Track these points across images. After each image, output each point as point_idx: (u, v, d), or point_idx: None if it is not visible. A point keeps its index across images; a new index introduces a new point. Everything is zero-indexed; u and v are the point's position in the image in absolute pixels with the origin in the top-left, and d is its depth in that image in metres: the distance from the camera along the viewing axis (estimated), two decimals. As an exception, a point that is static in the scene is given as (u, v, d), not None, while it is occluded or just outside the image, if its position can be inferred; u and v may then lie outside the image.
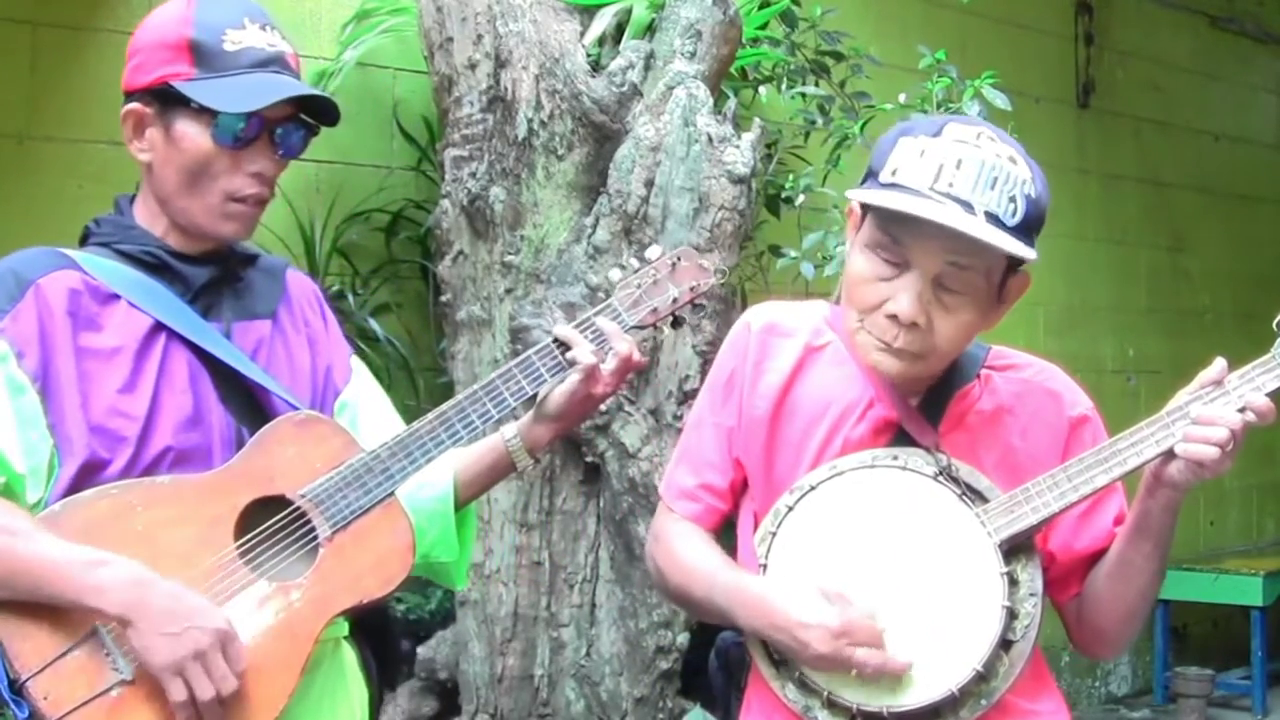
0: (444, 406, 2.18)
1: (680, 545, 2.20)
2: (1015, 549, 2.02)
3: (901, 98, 4.60)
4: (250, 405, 2.12)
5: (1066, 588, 2.15)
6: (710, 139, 4.04)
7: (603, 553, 4.12)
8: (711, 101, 4.14)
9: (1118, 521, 2.11)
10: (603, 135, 4.15)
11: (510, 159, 4.12)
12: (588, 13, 4.38)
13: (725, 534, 2.24)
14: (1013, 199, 1.96)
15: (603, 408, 3.73)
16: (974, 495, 2.03)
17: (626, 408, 3.99)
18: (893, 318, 1.99)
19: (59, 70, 4.15)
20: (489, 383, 2.22)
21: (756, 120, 4.35)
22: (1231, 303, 8.03)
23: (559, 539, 4.11)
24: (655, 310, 2.32)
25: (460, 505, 2.32)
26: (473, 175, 4.09)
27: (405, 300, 4.75)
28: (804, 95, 5.12)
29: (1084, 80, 7.35)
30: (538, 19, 4.17)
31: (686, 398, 3.99)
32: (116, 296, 2.07)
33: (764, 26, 5.01)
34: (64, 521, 1.93)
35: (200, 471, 2.04)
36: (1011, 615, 1.99)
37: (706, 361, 4.00)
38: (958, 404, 2.11)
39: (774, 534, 2.06)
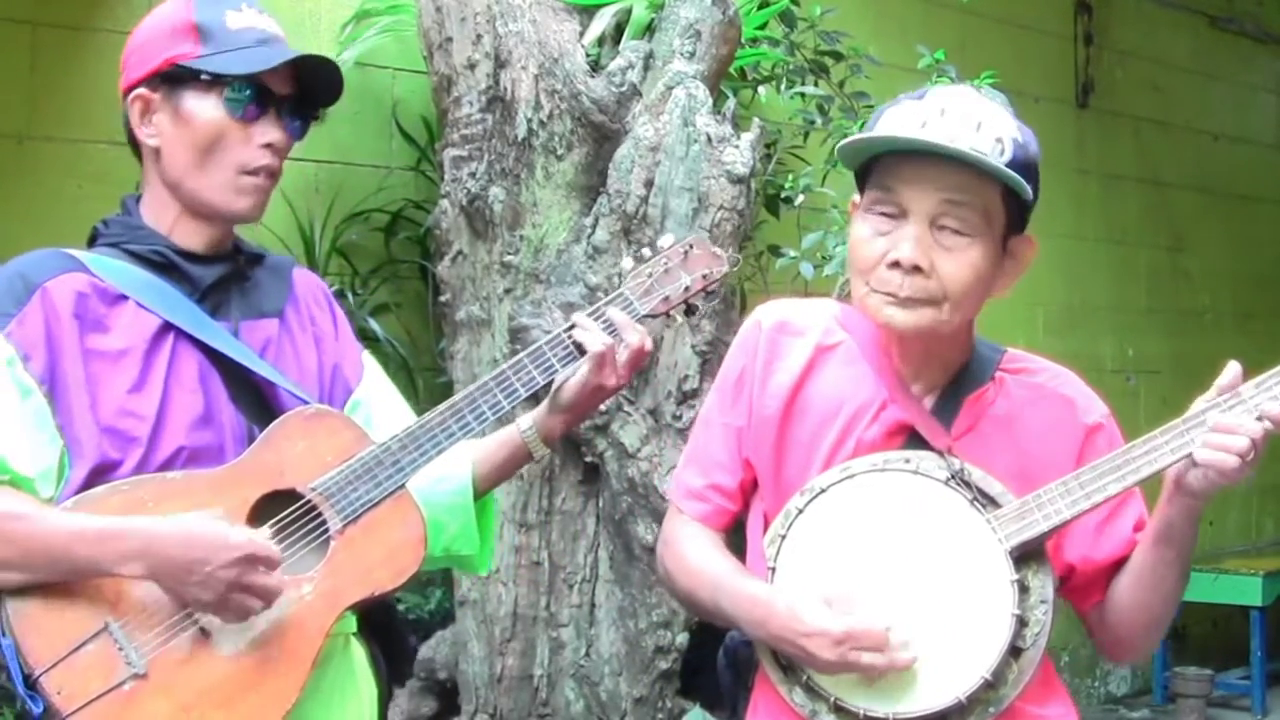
0: (455, 398, 2.19)
1: (688, 549, 2.19)
2: (1026, 555, 2.00)
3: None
4: (260, 403, 2.13)
5: (1088, 596, 2.13)
6: (709, 139, 4.04)
7: (602, 553, 4.12)
8: (711, 101, 4.14)
9: (1138, 528, 2.10)
10: (602, 135, 4.15)
11: (509, 159, 4.12)
12: (587, 13, 4.39)
13: (736, 534, 2.23)
14: (999, 139, 1.97)
15: (602, 407, 3.73)
16: (986, 500, 2.01)
17: (625, 408, 3.99)
18: (895, 265, 1.98)
19: (58, 70, 4.15)
20: (500, 373, 2.22)
21: (756, 120, 4.35)
22: (1231, 303, 8.03)
23: (558, 539, 4.11)
24: (667, 299, 2.31)
25: (479, 496, 2.33)
26: (472, 175, 4.09)
27: (404, 300, 4.75)
28: (803, 95, 5.12)
29: (1083, 80, 7.35)
30: (537, 19, 4.17)
31: (686, 397, 3.99)
32: (124, 297, 2.07)
33: (763, 26, 5.01)
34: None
35: (214, 468, 2.05)
36: (1021, 623, 1.97)
37: (706, 361, 4.01)
38: (972, 406, 2.10)
39: (784, 536, 2.04)
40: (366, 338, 4.41)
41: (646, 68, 4.22)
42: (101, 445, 1.99)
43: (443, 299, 4.26)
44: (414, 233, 4.75)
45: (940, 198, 1.97)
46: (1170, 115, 7.83)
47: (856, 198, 2.10)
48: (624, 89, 4.16)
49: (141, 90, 2.12)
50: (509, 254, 4.12)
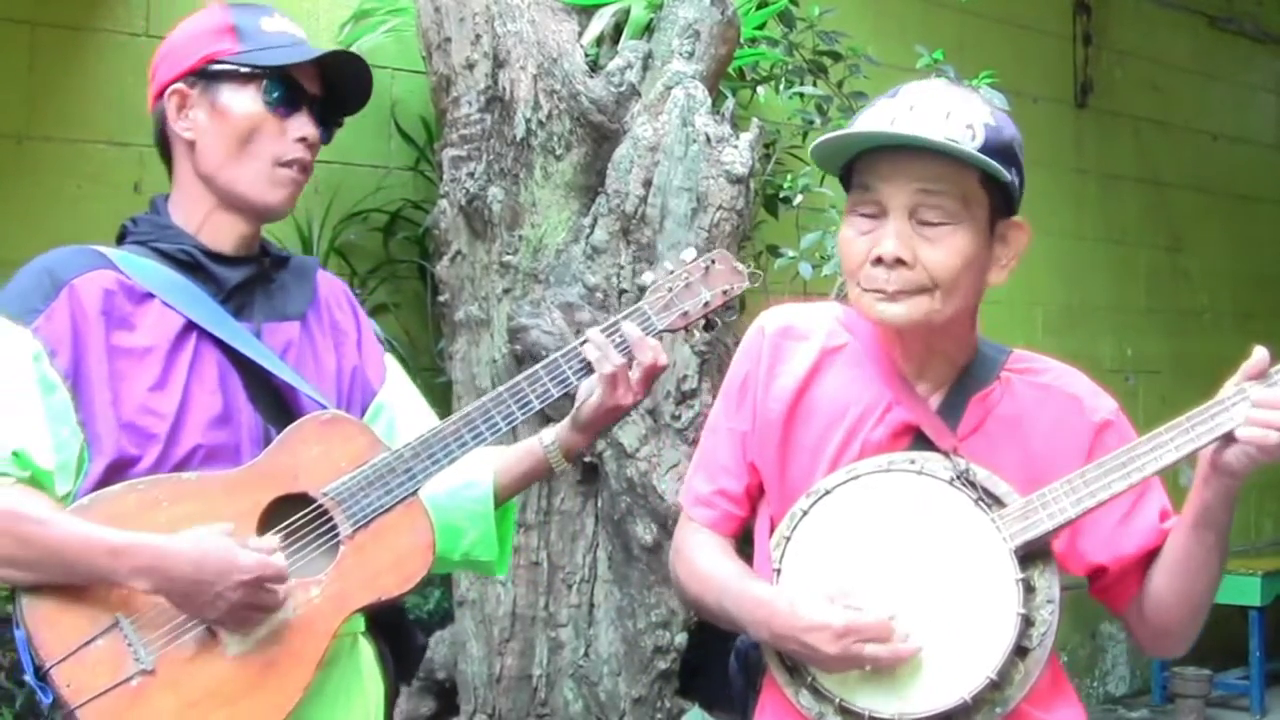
0: (469, 407, 2.21)
1: (697, 555, 2.20)
2: (1032, 555, 2.00)
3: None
4: (279, 405, 2.16)
5: (1124, 593, 2.12)
6: (708, 139, 4.05)
7: (601, 553, 4.12)
8: (710, 101, 4.15)
9: (1163, 518, 2.09)
10: (601, 135, 4.15)
11: (508, 159, 4.12)
12: (586, 13, 4.39)
13: (747, 543, 2.23)
14: (969, 126, 1.98)
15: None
16: (991, 500, 2.01)
17: (625, 408, 3.99)
18: (879, 261, 1.99)
19: (57, 70, 4.15)
20: (515, 384, 2.24)
21: (755, 120, 4.35)
22: (1230, 302, 8.03)
23: (557, 539, 4.11)
24: (686, 314, 2.32)
25: (499, 503, 2.36)
26: (471, 175, 4.09)
27: (403, 300, 4.75)
28: (802, 95, 5.12)
29: (1082, 80, 7.34)
30: (536, 19, 4.17)
31: (685, 398, 3.99)
32: (150, 295, 2.11)
33: (762, 26, 5.01)
34: (92, 514, 1.98)
35: (230, 468, 2.09)
36: (1027, 622, 1.96)
37: (705, 362, 4.01)
38: (977, 406, 2.09)
39: (789, 538, 2.04)
40: (365, 337, 4.41)
41: (645, 68, 4.23)
42: (120, 441, 2.03)
43: (441, 299, 4.27)
44: (413, 233, 4.75)
45: (914, 188, 1.98)
46: (1169, 115, 7.83)
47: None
48: (623, 89, 4.16)
49: (179, 85, 2.18)
50: (508, 254, 4.12)
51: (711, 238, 3.98)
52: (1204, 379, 2.02)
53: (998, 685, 1.95)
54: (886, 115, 2.01)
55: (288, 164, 2.17)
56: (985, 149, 1.97)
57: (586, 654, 4.09)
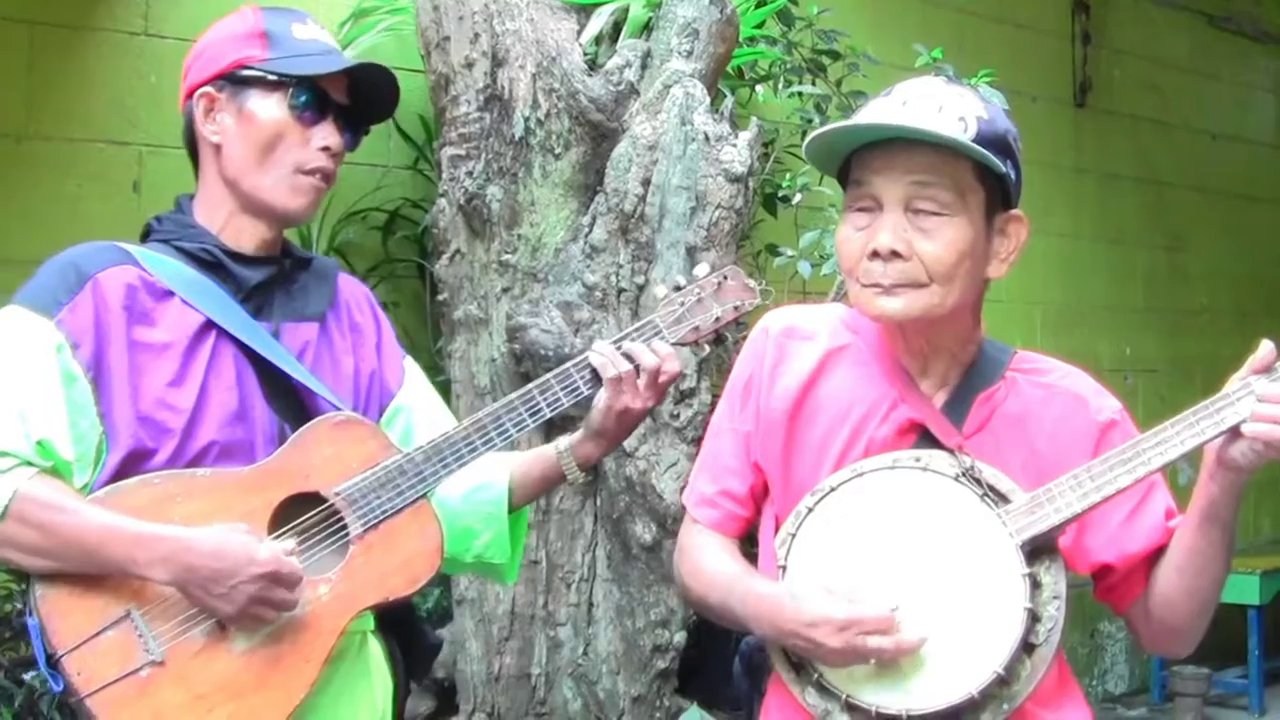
0: (481, 413, 2.24)
1: (700, 556, 2.20)
2: (1038, 551, 1.99)
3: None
4: (294, 404, 2.20)
5: (1129, 592, 2.12)
6: (707, 138, 4.05)
7: (600, 551, 4.12)
8: (708, 100, 4.15)
9: (1168, 517, 2.09)
10: (600, 134, 4.15)
11: (507, 158, 4.12)
12: (585, 11, 4.39)
13: (749, 542, 2.23)
14: (962, 119, 1.99)
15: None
16: (996, 497, 2.00)
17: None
18: (875, 255, 2.00)
19: (57, 69, 4.15)
20: (526, 392, 2.27)
21: (754, 119, 4.35)
22: (1229, 302, 8.03)
23: (556, 538, 4.11)
24: (697, 328, 2.36)
25: (514, 509, 2.39)
26: (469, 174, 4.09)
27: (402, 299, 4.75)
28: (801, 94, 5.13)
29: (1081, 79, 7.35)
30: (534, 18, 4.17)
31: (683, 397, 3.99)
32: (171, 293, 2.15)
33: (761, 25, 5.01)
34: (107, 507, 2.02)
35: (243, 466, 2.12)
36: (1034, 618, 1.96)
37: (703, 362, 4.00)
38: (982, 405, 2.09)
39: (794, 535, 2.04)
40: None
41: (644, 66, 4.23)
42: (138, 434, 2.07)
43: (440, 298, 4.27)
44: (411, 232, 4.75)
45: (908, 180, 1.99)
46: (1168, 114, 7.83)
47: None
48: (621, 87, 4.16)
49: (208, 89, 2.22)
50: (506, 253, 4.12)
51: (710, 237, 3.98)
52: (1202, 378, 2.03)
53: (1005, 681, 1.95)
54: (879, 112, 2.02)
55: (310, 172, 2.22)
56: (978, 141, 1.98)
57: (585, 653, 4.09)
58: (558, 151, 4.16)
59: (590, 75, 4.18)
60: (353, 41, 4.49)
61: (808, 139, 2.07)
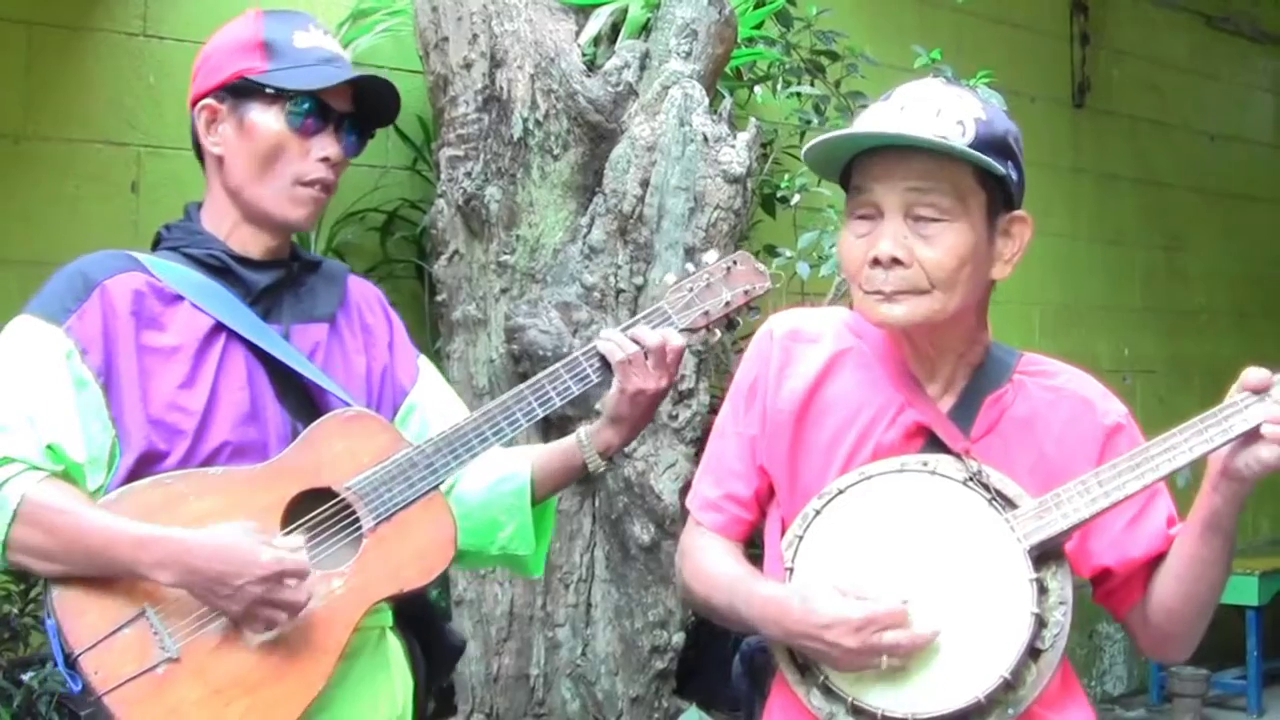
0: (490, 404, 2.27)
1: (704, 558, 2.18)
2: (1045, 556, 1.99)
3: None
4: (307, 403, 2.22)
5: (1128, 597, 2.11)
6: (706, 138, 4.05)
7: (598, 552, 4.12)
8: (707, 101, 4.15)
9: (1169, 524, 2.09)
10: (598, 135, 4.16)
11: (506, 159, 4.12)
12: (583, 12, 4.39)
13: (751, 545, 2.22)
14: (960, 122, 1.98)
15: (596, 407, 3.73)
16: (1004, 501, 2.00)
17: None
18: (876, 262, 2.00)
19: (55, 70, 4.15)
20: (536, 381, 2.29)
21: (752, 120, 4.35)
22: (1227, 302, 8.03)
23: (554, 539, 4.09)
24: (707, 313, 2.36)
25: (537, 500, 2.39)
26: (468, 175, 4.09)
27: (401, 300, 4.72)
28: (799, 95, 5.13)
29: (1079, 80, 7.35)
30: (533, 19, 4.17)
31: (682, 397, 3.99)
32: (180, 297, 2.18)
33: (759, 26, 5.01)
34: (120, 508, 2.04)
35: (254, 465, 2.14)
36: (1041, 623, 1.95)
37: (702, 362, 4.01)
38: (990, 408, 2.09)
39: (801, 538, 2.03)
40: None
41: (643, 67, 4.23)
42: (150, 436, 2.09)
43: (439, 299, 4.27)
44: (410, 232, 4.75)
45: (906, 186, 1.98)
46: (1166, 115, 7.83)
47: None
48: (620, 88, 4.16)
49: (209, 101, 2.24)
50: (505, 254, 4.12)
51: (709, 237, 3.98)
52: (1201, 379, 2.03)
53: (1011, 685, 1.94)
54: (880, 118, 2.02)
55: (310, 183, 2.23)
56: (976, 144, 1.97)
57: (584, 653, 4.09)
58: (556, 152, 4.16)
59: (589, 76, 4.18)
60: (351, 42, 4.48)
61: (806, 148, 2.08)
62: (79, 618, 2.02)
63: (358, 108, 2.28)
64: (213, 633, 2.04)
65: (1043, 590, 1.97)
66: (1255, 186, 8.39)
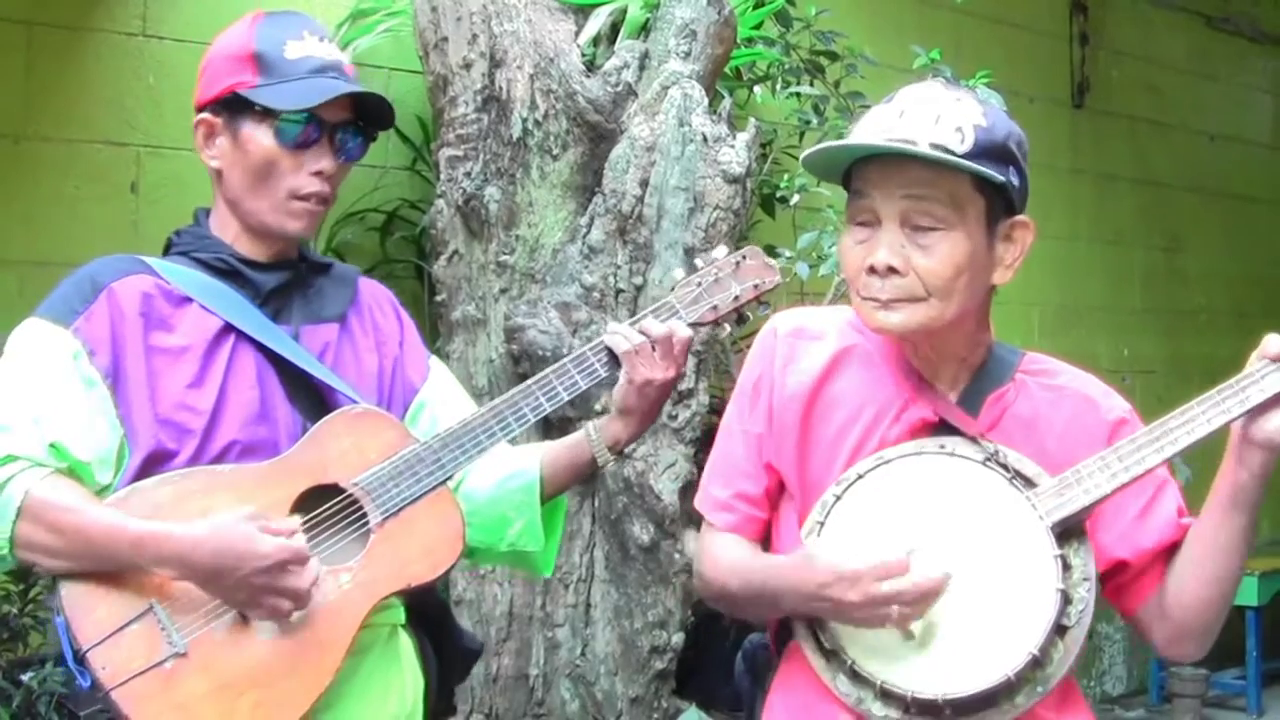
0: (497, 400, 2.28)
1: (722, 553, 2.18)
2: (1067, 533, 1.99)
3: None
4: (316, 402, 2.24)
5: (1143, 590, 2.10)
6: (705, 139, 4.05)
7: (598, 553, 4.12)
8: (706, 101, 4.15)
9: (1180, 514, 2.09)
10: (597, 135, 4.16)
11: (505, 159, 4.12)
12: (583, 12, 4.39)
13: (767, 548, 2.22)
14: (959, 129, 1.98)
15: (596, 408, 3.73)
16: (1023, 480, 2.01)
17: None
18: (872, 270, 2.00)
19: (55, 70, 4.15)
20: (543, 376, 2.30)
21: (751, 120, 4.35)
22: (1227, 302, 8.03)
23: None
24: (715, 308, 2.37)
25: (546, 497, 2.40)
26: (468, 175, 4.09)
27: (400, 300, 4.72)
28: (799, 95, 5.13)
29: (1079, 80, 7.35)
30: (532, 19, 4.17)
31: (681, 398, 3.99)
32: (189, 299, 2.21)
33: (759, 26, 5.02)
34: (128, 506, 2.06)
35: (262, 462, 2.16)
36: (1066, 599, 1.96)
37: (701, 361, 4.01)
38: (993, 406, 2.10)
39: (822, 524, 2.04)
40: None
41: (642, 67, 4.23)
42: (158, 436, 2.12)
43: (438, 299, 4.27)
44: (409, 232, 4.75)
45: (903, 194, 1.98)
46: (1166, 115, 7.83)
47: None
48: (619, 89, 4.16)
49: (205, 115, 2.26)
50: (504, 254, 4.12)
51: (708, 237, 3.98)
52: (1200, 379, 2.02)
53: (1039, 663, 1.95)
54: (881, 123, 2.01)
55: (304, 197, 2.24)
56: (975, 151, 1.97)
57: (583, 654, 4.09)
58: (555, 152, 4.16)
59: (588, 76, 4.18)
60: (351, 43, 4.48)
61: (803, 155, 2.08)
62: (87, 614, 2.03)
63: (357, 112, 2.29)
64: (220, 628, 2.06)
65: (1066, 567, 1.98)
66: (1254, 187, 8.39)
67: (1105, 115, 7.46)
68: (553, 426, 3.67)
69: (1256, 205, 8.39)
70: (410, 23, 4.34)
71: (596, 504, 4.10)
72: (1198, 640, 2.11)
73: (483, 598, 4.11)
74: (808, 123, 5.09)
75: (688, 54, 4.20)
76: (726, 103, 4.31)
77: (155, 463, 2.11)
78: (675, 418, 3.98)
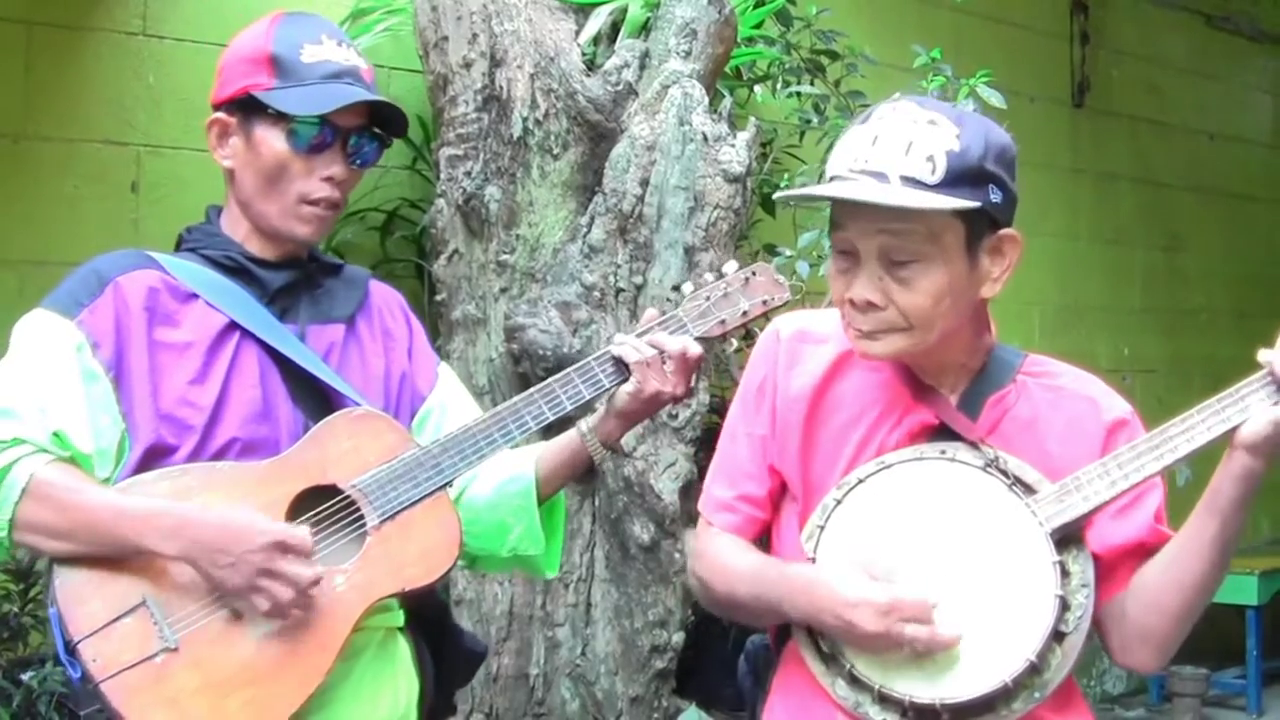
0: (500, 406, 2.29)
1: (722, 554, 2.18)
2: (1065, 539, 2.00)
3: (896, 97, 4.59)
4: (319, 402, 2.24)
5: (1109, 587, 2.07)
6: (705, 138, 4.05)
7: (598, 552, 4.12)
8: (707, 100, 4.15)
9: (1158, 518, 2.08)
10: (598, 134, 4.16)
11: (505, 158, 4.12)
12: (583, 11, 4.39)
13: (765, 548, 2.22)
14: (930, 158, 1.95)
15: (595, 408, 3.73)
16: (1023, 487, 2.01)
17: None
18: (852, 303, 2.01)
19: (55, 70, 4.15)
20: (547, 385, 2.31)
21: (752, 119, 4.35)
22: (1226, 302, 8.03)
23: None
24: (723, 322, 2.38)
25: (543, 498, 2.40)
26: (468, 174, 4.09)
27: (401, 300, 4.75)
28: (799, 94, 5.13)
29: (1079, 79, 7.34)
30: (533, 18, 4.17)
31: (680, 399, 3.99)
32: (195, 295, 2.22)
33: (759, 25, 5.01)
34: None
35: (261, 460, 2.17)
36: (1064, 606, 1.96)
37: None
38: (993, 408, 2.10)
39: (822, 528, 2.04)
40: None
41: (642, 67, 4.23)
42: (159, 430, 2.12)
43: (438, 298, 4.27)
44: (410, 232, 4.75)
45: (877, 229, 1.97)
46: (1166, 115, 7.83)
47: None
48: (620, 88, 4.16)
49: (219, 115, 2.27)
50: (505, 253, 4.12)
51: (709, 237, 3.98)
52: (1201, 378, 2.03)
53: (1037, 669, 1.95)
54: (854, 150, 2.00)
55: (314, 202, 2.24)
56: (946, 180, 1.94)
57: (583, 653, 4.10)
58: (556, 152, 4.16)
59: (588, 75, 4.18)
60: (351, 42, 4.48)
61: (777, 197, 2.10)
62: (80, 606, 2.04)
63: (372, 118, 2.29)
64: (212, 624, 2.06)
65: (1065, 573, 1.98)
66: (1255, 186, 8.40)
67: (1105, 115, 7.46)
68: (552, 427, 3.66)
69: (1256, 204, 8.39)
70: (410, 22, 4.34)
71: (597, 503, 4.10)
72: (1152, 649, 2.05)
73: (483, 597, 4.11)
74: (808, 122, 5.09)
75: (688, 53, 4.20)
76: (727, 102, 4.31)
77: (155, 457, 2.12)
78: (675, 417, 3.98)
